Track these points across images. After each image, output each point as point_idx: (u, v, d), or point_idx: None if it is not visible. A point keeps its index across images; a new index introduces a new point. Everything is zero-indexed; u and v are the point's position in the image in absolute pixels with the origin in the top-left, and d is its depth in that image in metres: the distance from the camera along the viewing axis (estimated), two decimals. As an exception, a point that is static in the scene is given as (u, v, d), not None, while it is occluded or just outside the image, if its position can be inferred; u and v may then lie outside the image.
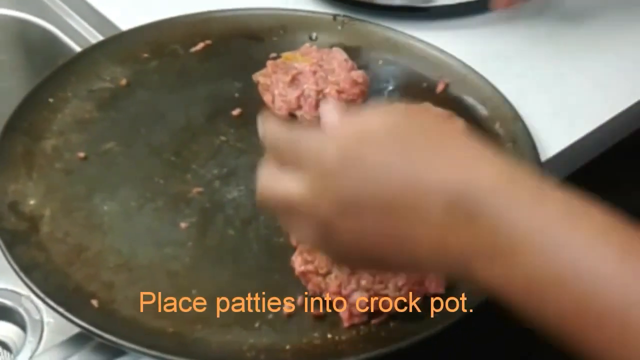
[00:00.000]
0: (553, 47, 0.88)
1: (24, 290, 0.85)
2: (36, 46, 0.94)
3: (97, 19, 0.90)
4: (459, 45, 0.85)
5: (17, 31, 0.95)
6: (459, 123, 0.50)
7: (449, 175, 0.46)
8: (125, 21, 0.87)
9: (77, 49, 0.88)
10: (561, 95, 0.82)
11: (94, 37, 0.89)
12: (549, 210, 0.45)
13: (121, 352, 0.60)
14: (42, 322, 0.85)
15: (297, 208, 0.50)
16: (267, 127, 0.54)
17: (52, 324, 0.85)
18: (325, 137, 0.50)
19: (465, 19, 0.90)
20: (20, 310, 0.87)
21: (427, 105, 0.51)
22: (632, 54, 0.87)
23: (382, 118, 0.50)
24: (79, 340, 0.63)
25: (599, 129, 0.79)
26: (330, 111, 0.52)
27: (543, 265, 0.43)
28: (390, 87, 0.82)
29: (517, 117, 0.77)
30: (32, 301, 0.87)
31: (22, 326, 0.86)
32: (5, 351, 0.84)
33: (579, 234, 0.44)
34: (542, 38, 0.89)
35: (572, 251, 0.43)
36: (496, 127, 0.77)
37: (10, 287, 0.88)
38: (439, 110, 0.50)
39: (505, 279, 0.45)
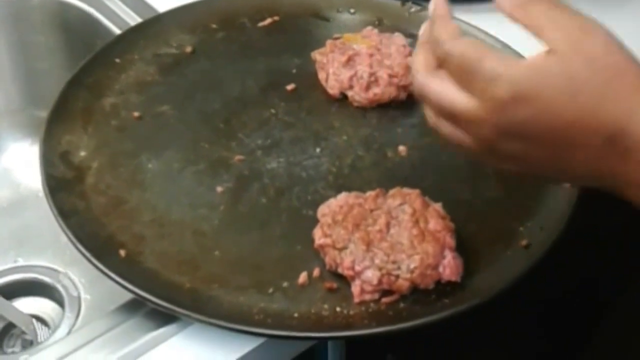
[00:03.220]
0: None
1: (62, 268, 0.90)
2: (75, 28, 0.96)
3: (135, 2, 0.92)
4: (495, 27, 0.84)
5: (56, 13, 0.97)
6: (624, 52, 0.51)
7: (613, 111, 0.49)
8: (162, 3, 0.89)
9: (116, 30, 0.90)
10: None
11: (133, 19, 0.91)
12: None
13: (170, 319, 0.63)
14: (79, 298, 0.88)
15: (458, 117, 0.53)
16: (443, 32, 0.53)
17: (90, 300, 0.88)
18: (501, 68, 0.50)
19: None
20: (59, 287, 0.90)
21: (598, 31, 0.52)
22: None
23: (558, 55, 0.50)
24: (129, 308, 0.65)
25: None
26: None
27: None
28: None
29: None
30: (69, 278, 0.90)
31: (60, 303, 0.89)
32: (43, 327, 0.87)
33: None
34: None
35: None
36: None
37: (48, 264, 0.91)
38: (608, 38, 0.51)
39: None
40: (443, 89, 0.53)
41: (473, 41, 0.53)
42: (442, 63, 0.53)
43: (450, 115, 0.53)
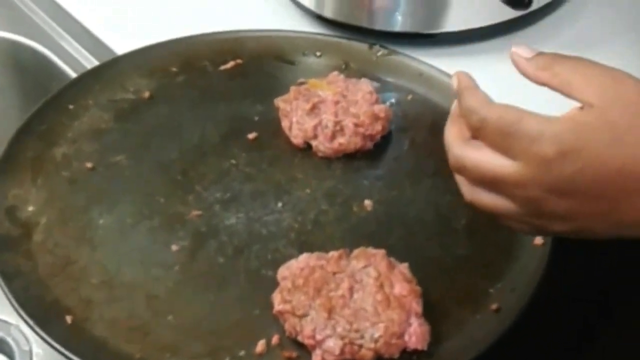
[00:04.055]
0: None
1: (13, 320, 0.85)
2: (28, 68, 0.94)
3: (92, 43, 0.88)
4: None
5: (9, 53, 0.94)
6: None
7: None
8: (121, 45, 0.86)
9: (71, 72, 0.87)
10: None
11: (89, 61, 0.87)
12: None
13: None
14: (30, 352, 0.83)
15: (502, 183, 0.52)
16: (474, 100, 0.53)
17: (42, 355, 0.83)
18: (542, 126, 0.50)
19: (472, 45, 0.87)
20: (9, 340, 0.85)
21: (627, 79, 0.52)
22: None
23: (595, 108, 0.50)
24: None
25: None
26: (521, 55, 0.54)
27: None
28: (416, 124, 0.79)
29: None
30: (21, 331, 0.85)
31: (10, 356, 0.84)
32: (-8, 382, 0.82)
33: None
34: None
35: None
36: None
37: (-2, 316, 0.87)
38: (638, 83, 0.51)
39: None
40: (482, 157, 0.52)
41: (507, 105, 0.52)
42: (478, 131, 0.53)
43: (492, 182, 0.52)
